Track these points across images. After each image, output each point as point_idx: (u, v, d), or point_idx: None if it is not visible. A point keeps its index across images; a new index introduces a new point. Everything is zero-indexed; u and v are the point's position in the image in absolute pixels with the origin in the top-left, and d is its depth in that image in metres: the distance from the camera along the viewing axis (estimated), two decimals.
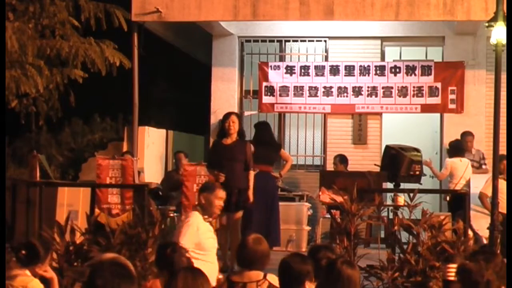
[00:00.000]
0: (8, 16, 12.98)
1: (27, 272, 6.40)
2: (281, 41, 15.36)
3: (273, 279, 5.91)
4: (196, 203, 7.94)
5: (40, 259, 6.47)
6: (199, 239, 7.38)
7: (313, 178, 13.78)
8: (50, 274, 6.55)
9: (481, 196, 11.51)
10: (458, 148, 13.02)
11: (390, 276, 8.76)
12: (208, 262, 7.27)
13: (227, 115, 10.94)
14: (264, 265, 5.97)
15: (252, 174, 10.78)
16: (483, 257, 4.68)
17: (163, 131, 15.56)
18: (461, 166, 12.77)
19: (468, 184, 12.57)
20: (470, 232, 10.53)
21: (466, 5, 12.91)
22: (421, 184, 12.55)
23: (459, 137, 13.54)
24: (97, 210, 10.94)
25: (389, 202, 12.04)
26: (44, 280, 6.48)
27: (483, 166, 13.37)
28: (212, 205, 7.57)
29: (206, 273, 4.68)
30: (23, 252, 6.48)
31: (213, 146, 11.20)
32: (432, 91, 14.37)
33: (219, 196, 7.63)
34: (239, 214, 10.76)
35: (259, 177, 11.34)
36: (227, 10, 13.45)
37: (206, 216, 7.55)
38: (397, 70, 14.51)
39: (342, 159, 13.56)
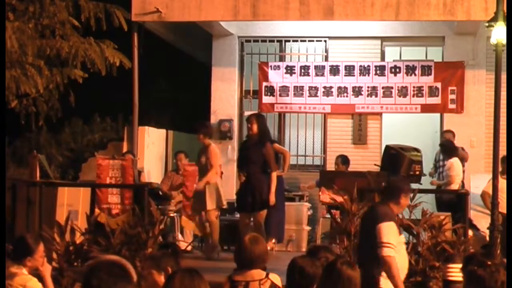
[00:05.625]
0: (8, 16, 12.97)
1: (24, 271, 6.41)
2: (281, 41, 15.36)
3: (276, 278, 5.94)
4: None
5: (30, 252, 6.46)
6: None
7: (313, 178, 13.77)
8: (46, 266, 6.56)
9: (483, 195, 11.50)
10: (453, 148, 13.05)
11: None
12: None
13: (247, 117, 11.34)
14: (264, 263, 5.99)
15: (273, 175, 10.85)
16: (489, 260, 4.67)
17: (163, 131, 15.55)
18: (460, 166, 12.79)
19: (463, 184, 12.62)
20: (470, 232, 10.56)
21: (466, 5, 12.91)
22: (421, 184, 12.54)
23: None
24: (97, 210, 10.95)
25: None
26: (42, 279, 6.49)
27: None
28: None
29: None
30: (10, 247, 6.49)
31: (239, 147, 11.56)
32: (432, 91, 14.36)
33: None
34: (261, 213, 10.85)
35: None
36: (227, 10, 13.44)
37: None
38: (397, 70, 14.50)
39: (344, 160, 13.54)
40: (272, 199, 10.83)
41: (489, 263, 4.63)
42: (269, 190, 10.82)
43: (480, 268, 4.61)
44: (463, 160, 13.37)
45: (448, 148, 12.98)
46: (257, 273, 5.93)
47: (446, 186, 12.66)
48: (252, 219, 11.07)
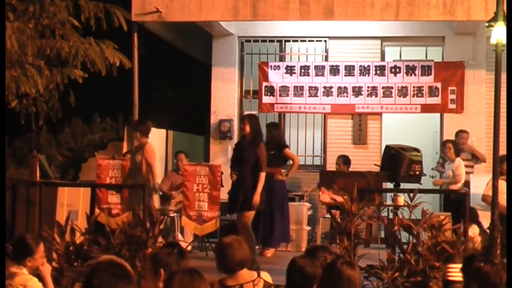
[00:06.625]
0: (8, 16, 12.97)
1: (25, 270, 6.41)
2: (281, 41, 15.36)
3: (267, 276, 5.95)
4: None
5: (30, 252, 6.47)
6: None
7: (313, 178, 13.77)
8: (46, 266, 6.57)
9: (485, 198, 11.50)
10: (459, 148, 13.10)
11: (390, 276, 8.77)
12: None
13: (241, 118, 11.31)
14: (249, 264, 5.97)
15: (261, 175, 10.84)
16: (495, 258, 4.69)
17: (163, 131, 15.54)
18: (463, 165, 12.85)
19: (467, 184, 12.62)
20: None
21: (466, 5, 12.91)
22: (421, 184, 12.54)
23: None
24: (97, 210, 10.95)
25: (389, 202, 12.04)
26: (42, 279, 6.49)
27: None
28: None
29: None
30: (10, 247, 6.50)
31: (234, 146, 11.59)
32: (432, 91, 14.36)
33: None
34: (246, 214, 10.81)
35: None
36: (227, 10, 13.44)
37: None
38: (397, 70, 14.50)
39: (345, 160, 13.54)
40: (257, 199, 10.78)
41: (496, 261, 4.64)
42: (256, 190, 10.80)
43: (486, 265, 4.62)
44: (478, 159, 13.51)
45: (457, 147, 13.02)
46: (249, 274, 5.89)
47: (453, 185, 12.69)
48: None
